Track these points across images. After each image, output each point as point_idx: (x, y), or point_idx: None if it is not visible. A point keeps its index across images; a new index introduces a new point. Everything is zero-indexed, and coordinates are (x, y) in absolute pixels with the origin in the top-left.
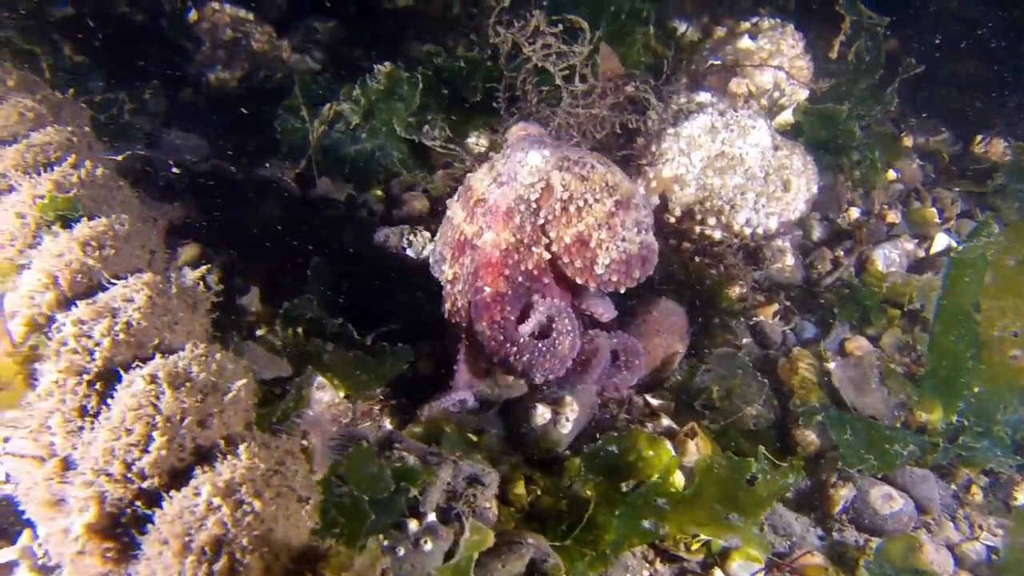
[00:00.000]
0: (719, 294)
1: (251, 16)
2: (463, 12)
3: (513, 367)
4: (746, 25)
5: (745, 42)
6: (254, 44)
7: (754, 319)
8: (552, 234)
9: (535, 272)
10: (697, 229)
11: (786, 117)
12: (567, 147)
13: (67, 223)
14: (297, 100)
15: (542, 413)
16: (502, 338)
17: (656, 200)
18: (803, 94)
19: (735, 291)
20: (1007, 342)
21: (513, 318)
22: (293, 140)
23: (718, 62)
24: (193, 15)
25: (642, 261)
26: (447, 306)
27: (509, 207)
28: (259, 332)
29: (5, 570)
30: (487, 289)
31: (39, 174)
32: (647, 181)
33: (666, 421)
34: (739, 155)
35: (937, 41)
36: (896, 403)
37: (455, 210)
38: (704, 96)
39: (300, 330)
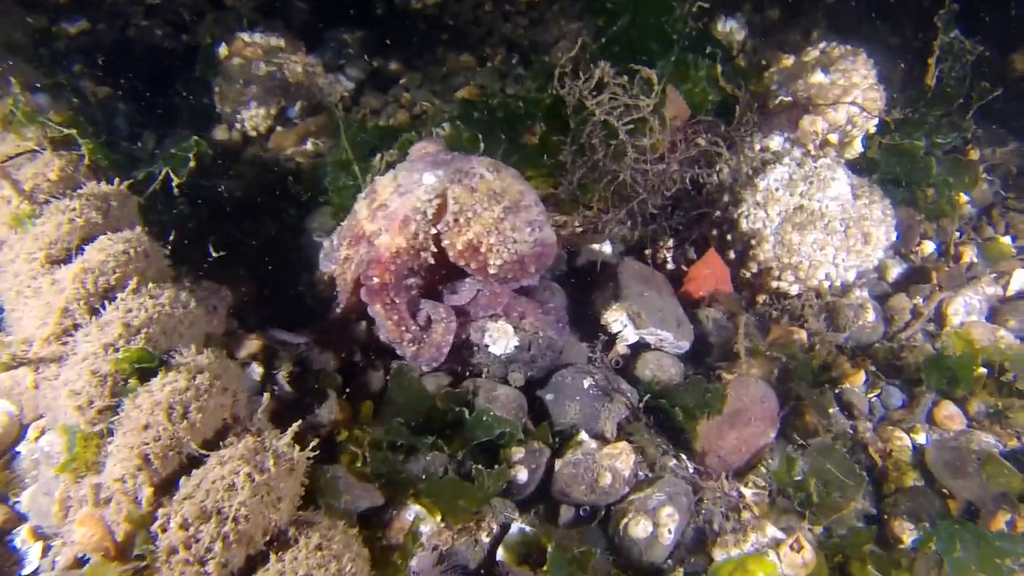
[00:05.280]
0: (807, 367)
1: (282, 43)
2: (496, 11)
3: (404, 347)
4: (814, 53)
5: (818, 77)
6: (288, 75)
7: (840, 388)
8: (446, 242)
9: (417, 269)
10: (774, 284)
11: (856, 147)
12: (460, 160)
13: (144, 374)
14: (347, 154)
15: (644, 527)
16: (397, 317)
17: (732, 255)
18: (873, 123)
19: (821, 358)
20: None
21: (399, 301)
22: (344, 198)
23: (789, 98)
24: (223, 50)
25: (536, 257)
26: (336, 274)
27: (406, 215)
28: (340, 438)
29: None
30: (375, 280)
31: (103, 306)
32: (722, 235)
33: (771, 530)
34: (819, 209)
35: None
36: (996, 493)
37: (360, 206)
38: (777, 140)
39: (387, 449)
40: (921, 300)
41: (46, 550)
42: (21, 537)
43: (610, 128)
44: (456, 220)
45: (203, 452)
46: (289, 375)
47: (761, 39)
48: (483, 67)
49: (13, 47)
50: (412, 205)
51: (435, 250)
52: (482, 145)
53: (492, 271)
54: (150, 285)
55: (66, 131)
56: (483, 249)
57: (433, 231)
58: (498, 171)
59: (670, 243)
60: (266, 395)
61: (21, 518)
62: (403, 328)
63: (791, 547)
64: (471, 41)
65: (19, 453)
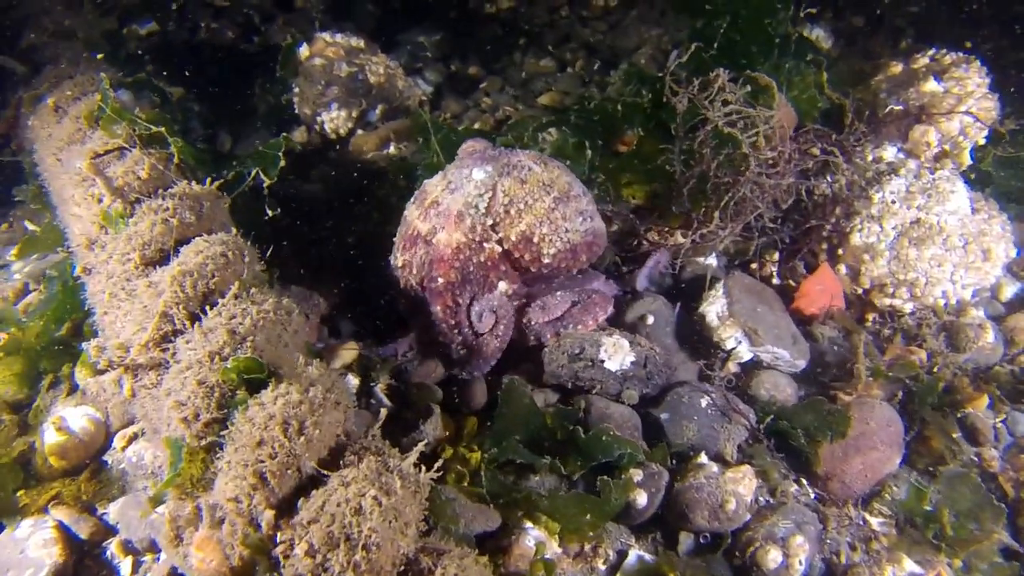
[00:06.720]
0: (931, 389)
1: (362, 44)
2: (573, 16)
3: (453, 351)
4: (923, 60)
5: (931, 85)
6: (371, 77)
7: (962, 412)
8: (500, 233)
9: (489, 263)
10: (887, 302)
11: (965, 159)
12: (508, 154)
13: (253, 385)
14: (438, 158)
15: (774, 557)
16: (453, 322)
17: (843, 270)
18: (983, 133)
19: (945, 380)
20: None
21: (463, 303)
22: None
23: (900, 107)
24: (304, 50)
25: (587, 246)
26: (401, 285)
27: (460, 211)
28: (444, 455)
29: None
30: (440, 280)
31: (203, 312)
32: (831, 249)
33: (908, 564)
34: (937, 223)
35: None
36: None
37: (410, 210)
38: (890, 151)
39: (496, 468)
40: None
41: (135, 565)
42: (111, 551)
43: (723, 137)
44: (507, 211)
45: (322, 471)
46: (387, 388)
47: (845, 47)
48: (562, 72)
49: (90, 46)
50: (464, 200)
51: (499, 239)
52: (588, 152)
53: (546, 260)
54: (252, 291)
55: (155, 129)
56: (536, 239)
57: (489, 222)
58: (545, 164)
59: (775, 256)
60: (383, 411)
61: (110, 530)
62: (456, 331)
63: None
64: (549, 45)
65: (106, 462)
